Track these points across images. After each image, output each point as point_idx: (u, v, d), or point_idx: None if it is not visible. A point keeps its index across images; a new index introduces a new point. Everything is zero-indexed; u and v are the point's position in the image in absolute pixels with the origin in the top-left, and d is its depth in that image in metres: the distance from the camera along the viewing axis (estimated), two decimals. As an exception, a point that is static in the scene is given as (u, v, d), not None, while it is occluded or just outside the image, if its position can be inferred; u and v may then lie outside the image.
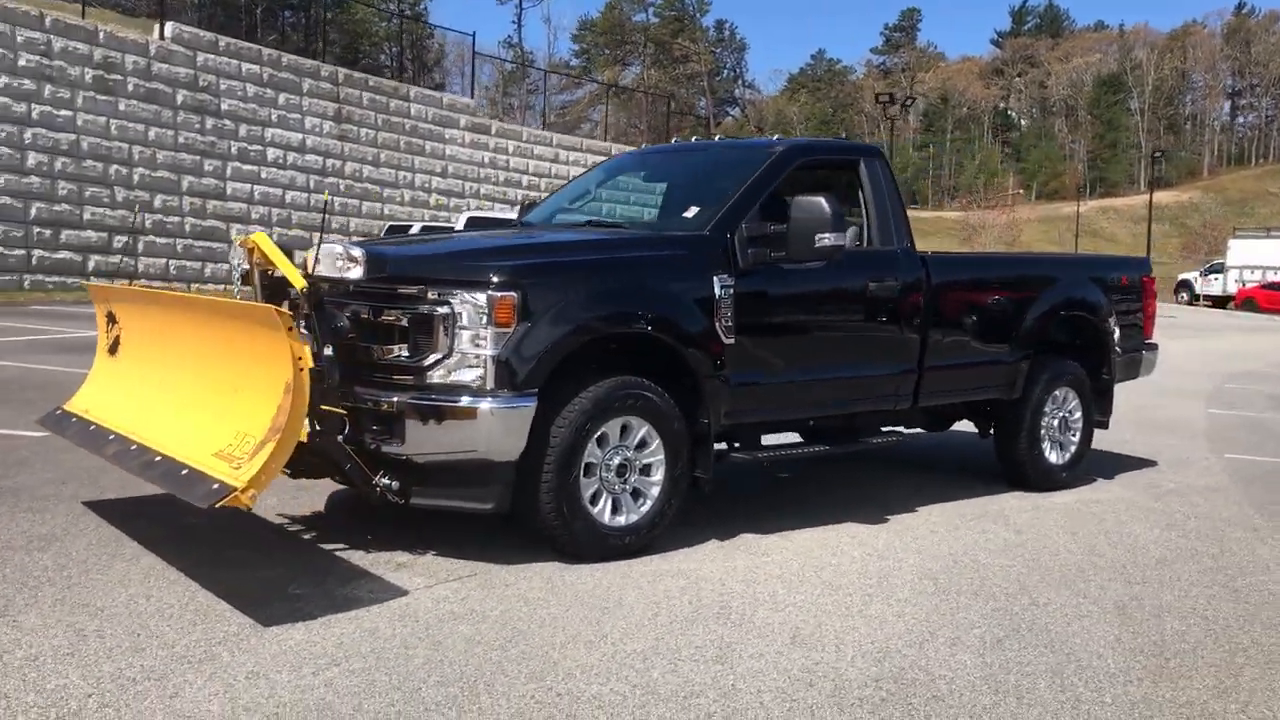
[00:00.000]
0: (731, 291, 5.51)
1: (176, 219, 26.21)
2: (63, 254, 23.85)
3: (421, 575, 4.81)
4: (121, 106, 25.12)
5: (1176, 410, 11.97)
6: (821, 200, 5.58)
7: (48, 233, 23.61)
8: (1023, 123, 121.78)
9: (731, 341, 5.52)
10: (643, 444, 5.28)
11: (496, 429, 4.79)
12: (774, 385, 5.83)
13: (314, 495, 6.09)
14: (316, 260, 4.97)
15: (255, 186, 28.14)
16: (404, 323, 4.92)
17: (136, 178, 25.36)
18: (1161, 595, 5.00)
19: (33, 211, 23.32)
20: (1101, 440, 8.10)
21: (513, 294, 4.85)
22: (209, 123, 27.14)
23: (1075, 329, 7.59)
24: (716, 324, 5.46)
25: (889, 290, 6.24)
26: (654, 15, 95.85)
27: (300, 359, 4.10)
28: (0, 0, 23.34)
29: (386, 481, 4.90)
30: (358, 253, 4.89)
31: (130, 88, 25.35)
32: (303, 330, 4.61)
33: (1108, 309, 7.58)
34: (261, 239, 5.05)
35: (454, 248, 5.86)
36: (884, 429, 6.56)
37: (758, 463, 6.20)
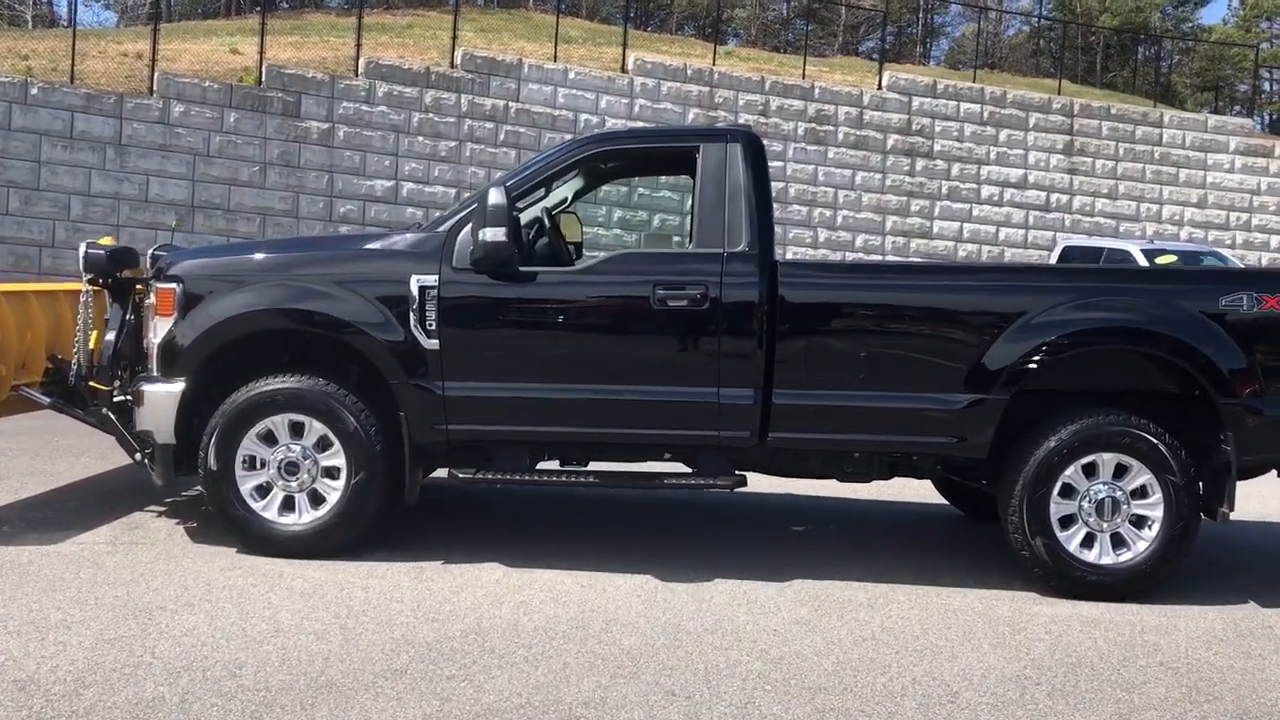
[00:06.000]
0: (434, 292, 5.07)
1: (877, 258, 27.47)
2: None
3: (108, 537, 5.44)
4: (830, 154, 27.20)
5: None
6: (489, 192, 4.85)
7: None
8: None
9: (435, 346, 5.08)
10: (324, 444, 5.16)
11: (151, 411, 5.21)
12: (509, 399, 5.12)
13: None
14: None
15: (965, 224, 28.20)
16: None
17: (840, 219, 27.23)
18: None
19: (740, 252, 26.47)
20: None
21: (173, 286, 5.21)
22: (919, 164, 27.97)
23: (1157, 374, 5.13)
24: (413, 326, 5.08)
25: (691, 301, 5.01)
26: None
27: None
28: (729, 70, 27.02)
29: (139, 455, 5.60)
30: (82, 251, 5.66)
31: (840, 136, 27.33)
32: None
33: (1215, 347, 4.91)
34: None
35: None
36: (718, 479, 5.21)
37: (491, 485, 5.49)
